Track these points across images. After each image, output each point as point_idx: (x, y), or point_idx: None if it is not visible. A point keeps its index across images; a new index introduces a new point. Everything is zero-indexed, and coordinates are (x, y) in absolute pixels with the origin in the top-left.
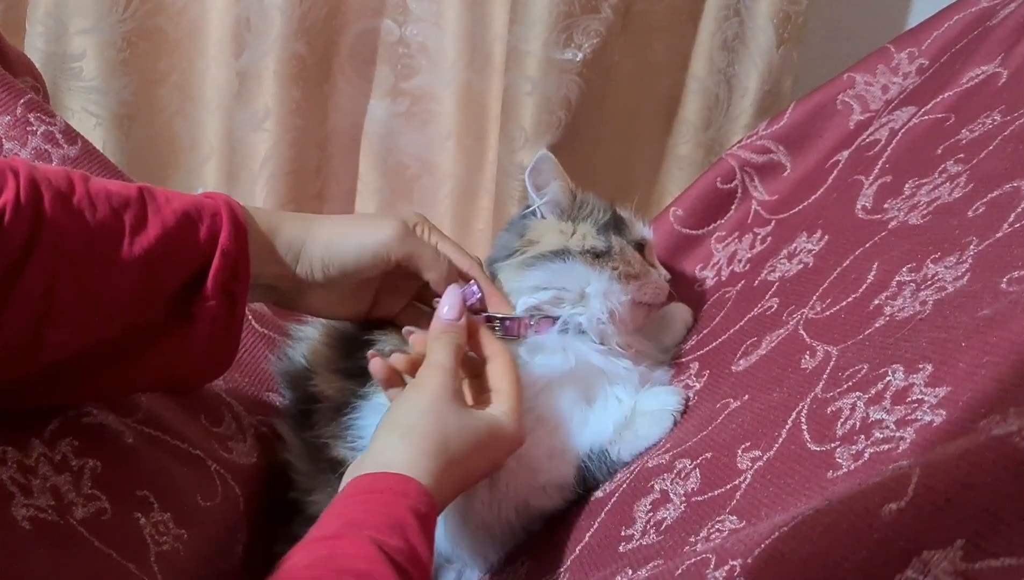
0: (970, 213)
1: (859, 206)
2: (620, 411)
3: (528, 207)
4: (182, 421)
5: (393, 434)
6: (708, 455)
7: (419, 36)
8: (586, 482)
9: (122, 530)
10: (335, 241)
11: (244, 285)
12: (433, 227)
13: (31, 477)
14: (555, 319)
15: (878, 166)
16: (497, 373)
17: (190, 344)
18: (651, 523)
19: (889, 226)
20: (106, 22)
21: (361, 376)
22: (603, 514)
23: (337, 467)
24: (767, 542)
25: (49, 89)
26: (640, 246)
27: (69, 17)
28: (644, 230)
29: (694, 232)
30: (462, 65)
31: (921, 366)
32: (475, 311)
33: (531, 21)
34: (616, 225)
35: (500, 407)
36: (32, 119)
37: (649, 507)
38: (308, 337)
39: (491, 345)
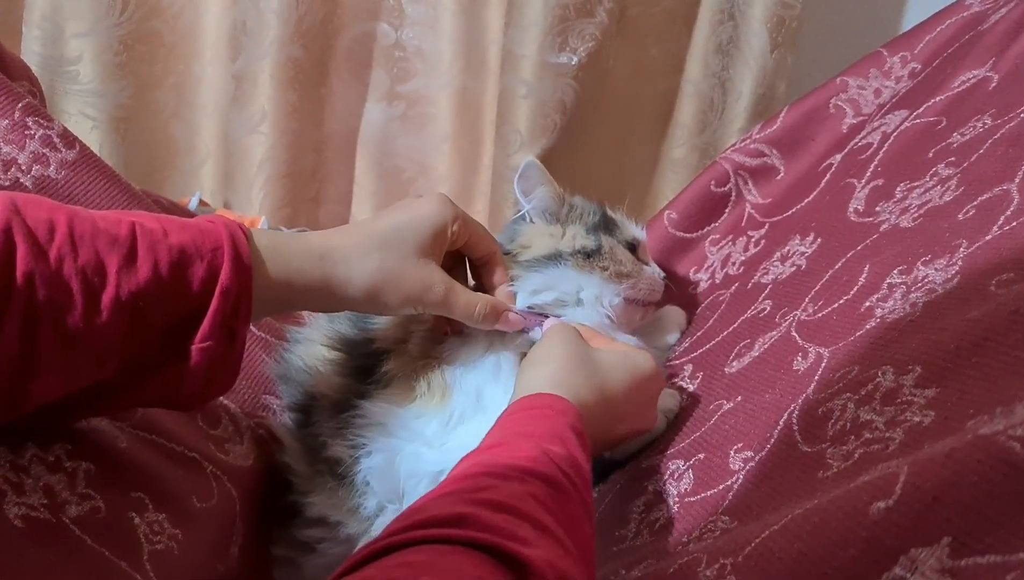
0: (960, 216)
1: (851, 209)
2: None
3: (520, 212)
4: (178, 424)
5: (531, 365)
6: (701, 456)
7: (415, 40)
8: None
9: (115, 529)
10: (367, 303)
11: (245, 321)
12: (466, 218)
13: (24, 476)
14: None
15: (870, 169)
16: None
17: (184, 377)
18: (644, 523)
19: (881, 229)
20: (102, 25)
21: (361, 374)
22: (597, 514)
23: (335, 468)
24: (757, 540)
25: (46, 92)
26: (632, 246)
27: (65, 20)
28: (636, 230)
29: (688, 235)
30: (458, 69)
31: (911, 367)
32: None
33: (526, 25)
34: (606, 226)
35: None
36: (30, 123)
37: (642, 507)
38: (307, 338)
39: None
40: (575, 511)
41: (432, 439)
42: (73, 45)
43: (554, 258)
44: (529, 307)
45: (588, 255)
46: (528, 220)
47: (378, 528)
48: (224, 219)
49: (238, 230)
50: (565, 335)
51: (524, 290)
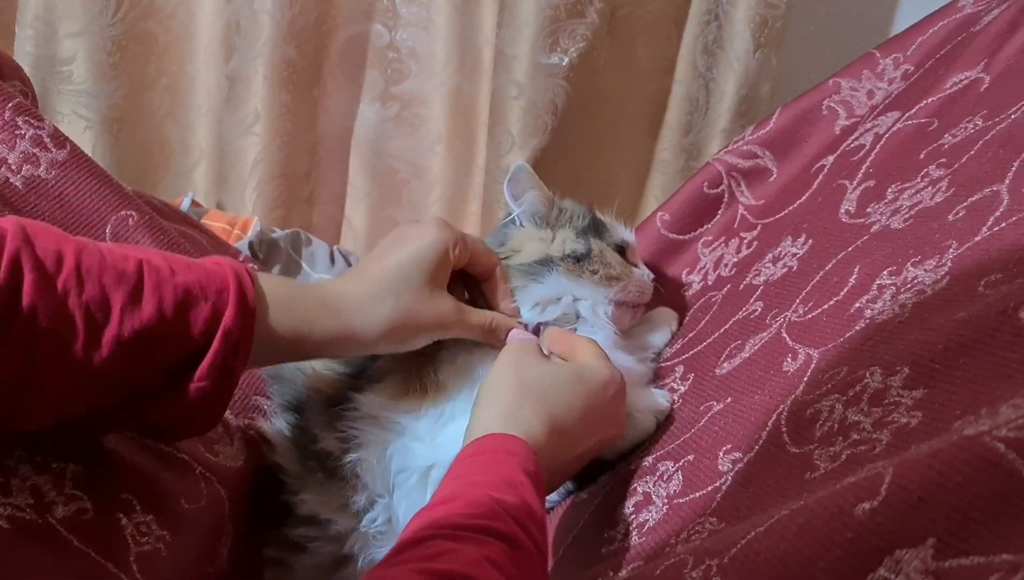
0: (950, 217)
1: (843, 210)
2: None
3: (509, 215)
4: None
5: (481, 400)
6: (690, 457)
7: (409, 41)
8: (567, 484)
9: (102, 530)
10: (387, 344)
11: (243, 362)
12: (465, 238)
13: (10, 476)
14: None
15: (862, 170)
16: (576, 347)
17: (175, 410)
18: (633, 525)
19: (871, 230)
20: (96, 26)
21: (355, 371)
22: (586, 516)
23: (325, 461)
24: (743, 541)
25: (39, 92)
26: (622, 248)
27: (59, 20)
28: (625, 233)
29: (681, 237)
30: (451, 69)
31: (898, 368)
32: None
33: (518, 25)
34: (595, 228)
35: (583, 356)
36: (20, 123)
37: (632, 509)
38: None
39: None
40: (532, 567)
41: (423, 434)
42: (66, 45)
43: (545, 264)
44: (540, 324)
45: (578, 259)
46: (518, 224)
47: (368, 524)
48: (230, 260)
49: (244, 272)
50: (511, 358)
51: (526, 304)
